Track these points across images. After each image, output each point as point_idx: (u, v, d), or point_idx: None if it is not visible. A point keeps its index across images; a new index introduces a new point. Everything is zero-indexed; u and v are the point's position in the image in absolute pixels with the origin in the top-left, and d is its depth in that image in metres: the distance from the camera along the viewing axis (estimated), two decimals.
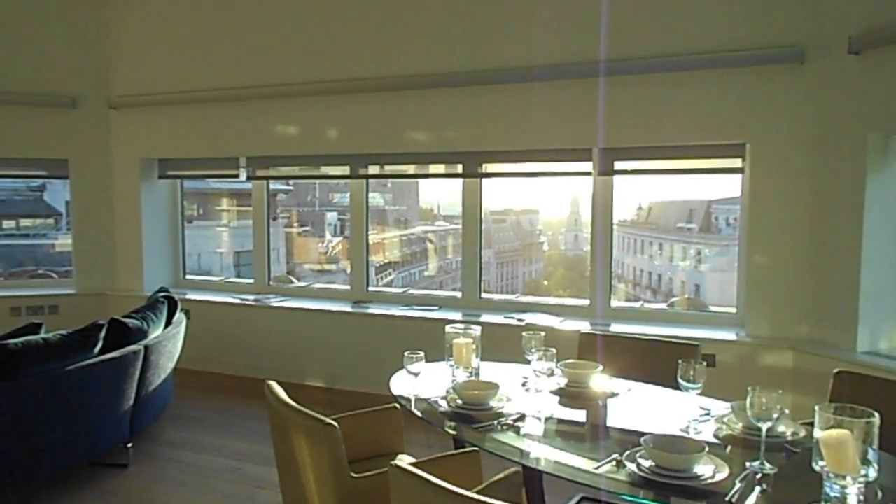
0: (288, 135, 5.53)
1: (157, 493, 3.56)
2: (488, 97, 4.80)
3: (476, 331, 3.01)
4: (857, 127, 3.74)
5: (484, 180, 5.15)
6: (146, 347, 3.86)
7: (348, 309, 5.37)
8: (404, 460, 2.72)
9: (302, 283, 6.20)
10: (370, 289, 5.70)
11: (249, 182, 5.90)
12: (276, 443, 2.61)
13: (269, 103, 5.49)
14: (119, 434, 3.81)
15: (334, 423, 2.22)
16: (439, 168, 5.36)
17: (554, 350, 2.59)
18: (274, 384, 2.55)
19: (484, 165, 5.08)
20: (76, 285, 6.18)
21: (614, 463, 2.05)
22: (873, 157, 3.69)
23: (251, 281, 6.14)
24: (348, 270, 5.78)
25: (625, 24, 4.39)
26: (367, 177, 5.53)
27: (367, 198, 5.61)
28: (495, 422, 2.43)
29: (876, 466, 1.64)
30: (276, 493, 3.48)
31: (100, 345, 3.61)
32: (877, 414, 1.64)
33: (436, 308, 5.24)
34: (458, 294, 5.40)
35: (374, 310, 5.28)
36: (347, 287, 5.79)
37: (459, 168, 5.16)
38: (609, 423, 2.60)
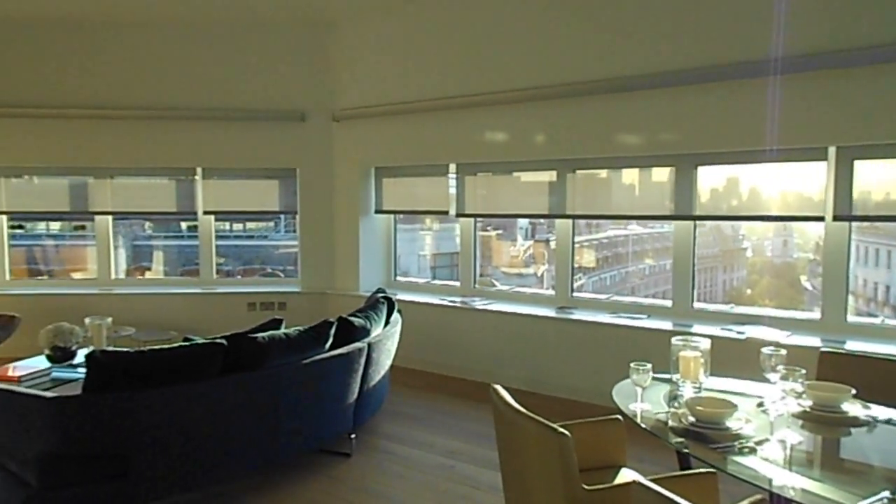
0: (495, 141, 5.63)
1: (377, 483, 3.77)
2: (707, 96, 4.53)
3: (704, 343, 2.85)
4: None
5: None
6: (369, 345, 4.11)
7: (553, 314, 5.36)
8: (629, 476, 2.65)
9: (504, 287, 6.29)
10: (574, 294, 5.63)
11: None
12: (500, 447, 2.64)
13: (477, 111, 5.63)
14: (344, 425, 4.08)
15: (567, 433, 2.20)
16: (655, 171, 5.16)
17: (804, 371, 2.37)
18: (500, 388, 2.58)
19: (698, 168, 4.84)
20: (301, 284, 6.76)
21: (885, 501, 1.84)
22: None
23: (457, 283, 6.33)
24: (538, 274, 5.78)
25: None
26: (574, 216, 5.51)
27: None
28: (734, 443, 2.27)
29: None
30: (490, 495, 3.55)
31: (330, 341, 3.90)
32: None
33: (643, 316, 5.07)
34: (668, 303, 5.17)
35: (580, 316, 5.22)
36: (550, 292, 5.79)
37: (672, 171, 4.94)
38: (869, 455, 2.33)
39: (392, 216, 6.75)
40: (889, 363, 3.00)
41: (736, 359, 3.50)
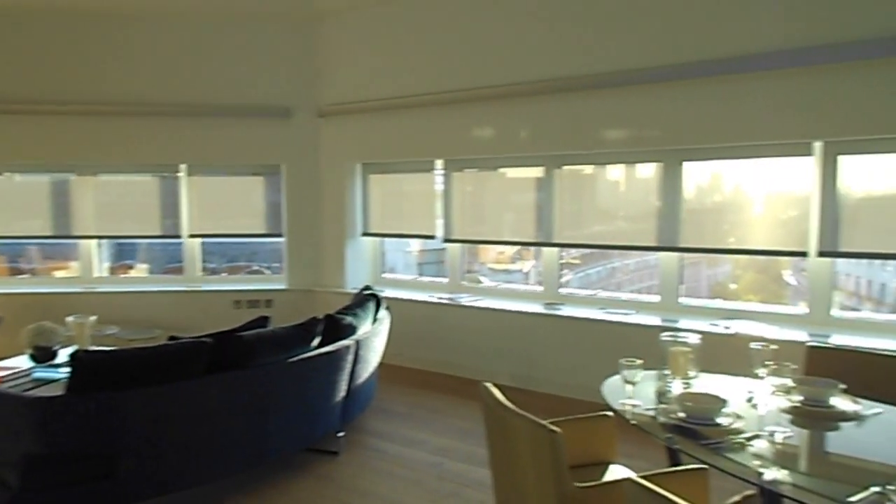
0: (482, 136, 5.61)
1: (367, 482, 3.75)
2: (691, 91, 4.55)
3: (693, 339, 2.86)
4: None
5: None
6: (357, 342, 4.08)
7: (541, 310, 5.35)
8: (619, 472, 2.65)
9: (492, 283, 6.28)
10: (561, 290, 5.63)
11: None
12: (490, 444, 2.63)
13: (463, 107, 5.60)
14: (332, 423, 4.06)
15: (557, 430, 2.19)
16: (643, 168, 5.17)
17: (794, 366, 2.38)
18: (490, 386, 2.57)
19: (684, 163, 4.85)
20: (287, 281, 6.70)
21: (875, 495, 1.84)
22: None
23: (444, 280, 6.32)
24: (524, 270, 5.78)
25: None
26: (561, 245, 5.55)
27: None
28: (725, 439, 2.27)
29: None
30: (480, 492, 3.54)
31: (318, 339, 3.87)
32: None
33: (631, 312, 5.08)
34: (655, 298, 5.19)
35: (568, 312, 5.22)
36: (537, 288, 5.79)
37: (658, 166, 4.95)
38: (858, 449, 2.34)
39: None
40: (876, 357, 3.02)
41: (724, 354, 3.51)
